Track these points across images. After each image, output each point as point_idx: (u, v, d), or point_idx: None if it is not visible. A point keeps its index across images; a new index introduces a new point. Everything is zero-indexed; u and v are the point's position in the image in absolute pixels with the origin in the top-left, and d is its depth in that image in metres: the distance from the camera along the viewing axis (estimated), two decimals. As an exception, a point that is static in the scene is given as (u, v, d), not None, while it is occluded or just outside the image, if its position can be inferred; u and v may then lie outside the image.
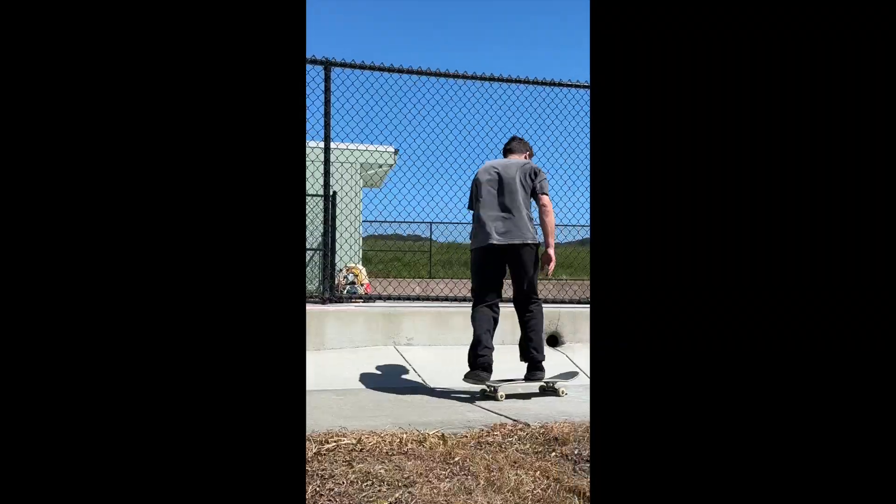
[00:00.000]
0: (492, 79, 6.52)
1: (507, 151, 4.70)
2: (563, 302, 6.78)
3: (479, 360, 4.25)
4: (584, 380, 4.94)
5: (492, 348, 4.31)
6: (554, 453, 2.86)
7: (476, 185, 4.49)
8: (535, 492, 2.33)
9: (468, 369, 4.34)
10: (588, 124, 6.87)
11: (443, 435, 3.05)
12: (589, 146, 7.00)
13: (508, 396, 4.30)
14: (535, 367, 4.35)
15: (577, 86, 6.72)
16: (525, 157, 4.65)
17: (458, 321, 5.58)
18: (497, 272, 4.40)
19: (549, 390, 4.45)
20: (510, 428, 3.32)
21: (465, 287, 7.18)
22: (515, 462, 2.68)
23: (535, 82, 6.67)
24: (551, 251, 4.39)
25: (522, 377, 4.45)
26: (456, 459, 2.68)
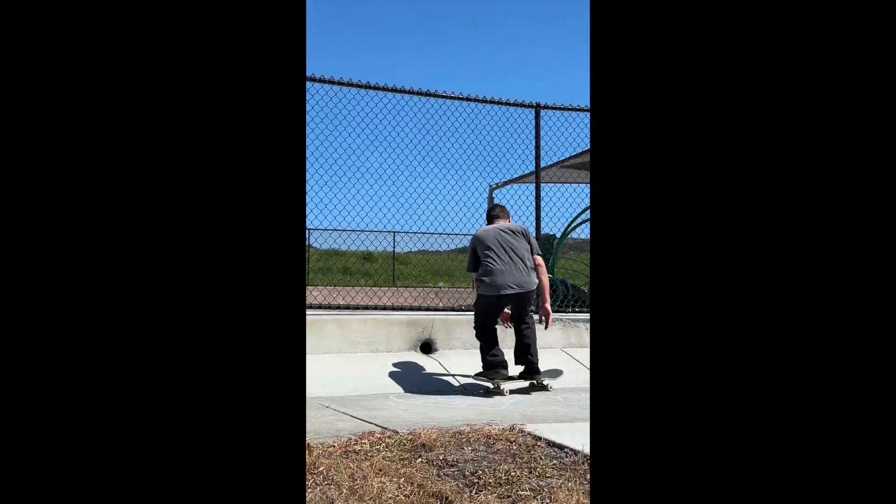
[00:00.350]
0: (371, 87, 6.53)
1: (493, 217, 5.50)
2: (437, 310, 6.87)
3: (496, 360, 5.05)
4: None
5: (503, 352, 5.16)
6: (420, 459, 2.88)
7: (478, 247, 5.25)
8: (397, 498, 2.34)
9: (481, 369, 5.15)
10: (462, 137, 7.02)
11: (308, 445, 3.00)
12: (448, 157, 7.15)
13: (511, 391, 4.95)
14: (531, 370, 5.13)
15: (454, 98, 6.86)
16: (509, 222, 5.50)
17: (332, 329, 5.52)
18: (501, 309, 5.33)
19: (538, 387, 5.11)
20: (378, 436, 3.32)
21: (339, 294, 7.10)
22: (380, 469, 2.68)
23: (419, 93, 6.73)
24: (548, 306, 5.28)
25: (517, 375, 5.17)
26: (320, 469, 2.64)
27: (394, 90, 6.64)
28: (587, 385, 5.17)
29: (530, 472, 2.65)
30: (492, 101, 6.99)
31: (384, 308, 6.67)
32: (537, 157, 7.10)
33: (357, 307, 6.59)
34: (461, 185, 7.35)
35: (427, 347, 5.84)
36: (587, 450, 2.51)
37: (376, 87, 6.56)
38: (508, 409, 4.36)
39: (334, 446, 3.07)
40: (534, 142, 7.11)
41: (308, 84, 6.28)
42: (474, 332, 5.29)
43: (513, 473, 2.64)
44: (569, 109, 7.20)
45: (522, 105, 7.09)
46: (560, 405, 4.45)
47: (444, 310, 6.84)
